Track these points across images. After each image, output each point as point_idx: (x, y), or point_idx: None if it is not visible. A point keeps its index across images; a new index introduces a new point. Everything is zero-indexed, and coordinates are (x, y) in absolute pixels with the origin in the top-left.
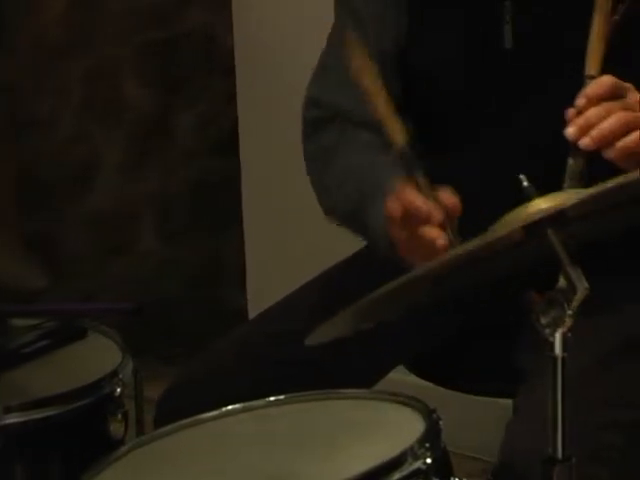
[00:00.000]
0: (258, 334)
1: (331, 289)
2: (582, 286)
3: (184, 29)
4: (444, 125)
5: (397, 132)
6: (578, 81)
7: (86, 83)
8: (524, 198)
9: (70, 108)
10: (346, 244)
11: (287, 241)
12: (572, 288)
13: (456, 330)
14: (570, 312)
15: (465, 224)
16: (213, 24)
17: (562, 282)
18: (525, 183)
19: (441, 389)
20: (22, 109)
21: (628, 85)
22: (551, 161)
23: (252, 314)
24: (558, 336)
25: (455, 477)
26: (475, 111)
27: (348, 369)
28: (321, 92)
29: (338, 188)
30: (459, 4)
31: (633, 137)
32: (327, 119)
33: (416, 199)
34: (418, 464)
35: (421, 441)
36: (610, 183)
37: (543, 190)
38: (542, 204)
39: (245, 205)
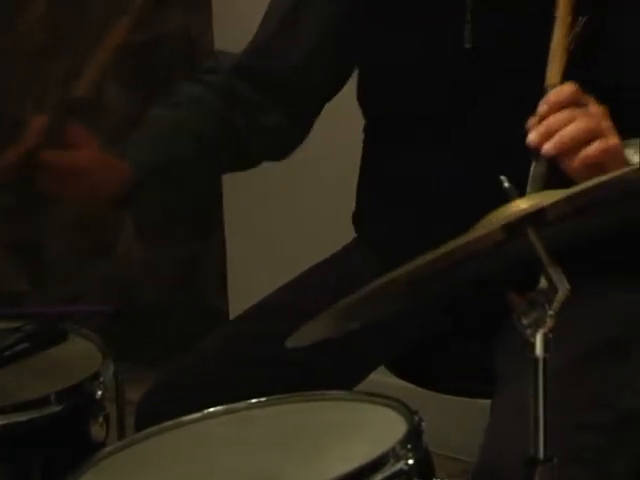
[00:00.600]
0: (238, 335)
1: (312, 289)
2: (563, 286)
3: (164, 31)
4: (410, 124)
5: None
6: (537, 81)
7: (65, 86)
8: (503, 198)
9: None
10: (326, 245)
11: (268, 243)
12: (553, 288)
13: (436, 330)
14: (551, 313)
15: (439, 224)
16: (193, 25)
17: (543, 283)
18: (506, 184)
19: (423, 390)
20: (4, 111)
21: (589, 97)
22: (518, 160)
23: (233, 316)
24: (539, 337)
25: (437, 478)
26: (438, 110)
27: (329, 370)
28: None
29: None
30: (421, 4)
31: (595, 146)
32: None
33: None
34: (400, 465)
35: (403, 442)
36: (590, 182)
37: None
38: (522, 204)
39: (226, 207)
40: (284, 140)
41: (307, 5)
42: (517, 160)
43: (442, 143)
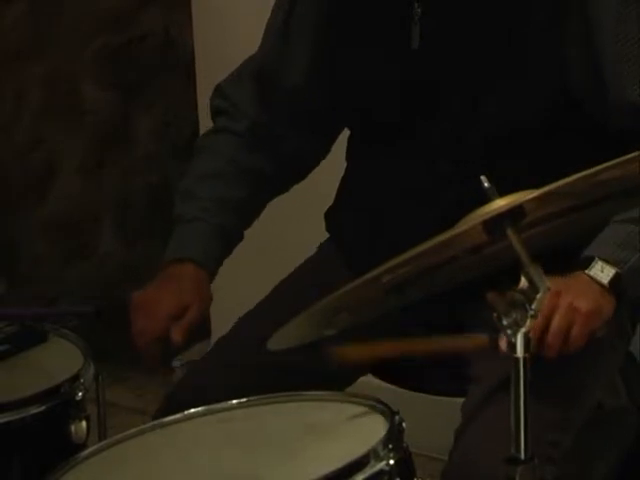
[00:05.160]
0: (231, 341)
1: (293, 295)
2: (544, 286)
3: (143, 32)
4: (370, 126)
5: None
6: (480, 77)
7: (45, 87)
8: (482, 198)
9: (29, 112)
10: (305, 253)
11: (248, 244)
12: (534, 288)
13: (418, 330)
14: (532, 312)
15: (399, 220)
16: (172, 26)
17: (523, 282)
18: (486, 184)
19: (403, 390)
20: None
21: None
22: (474, 153)
23: (213, 317)
24: (520, 337)
25: (418, 478)
26: (391, 112)
27: (318, 375)
28: (225, 83)
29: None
30: (370, 8)
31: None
32: (222, 110)
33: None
34: (381, 465)
35: (384, 442)
36: (566, 180)
37: (471, 179)
38: (502, 202)
39: None
40: (305, 163)
41: (297, 28)
42: (474, 156)
43: (402, 140)
